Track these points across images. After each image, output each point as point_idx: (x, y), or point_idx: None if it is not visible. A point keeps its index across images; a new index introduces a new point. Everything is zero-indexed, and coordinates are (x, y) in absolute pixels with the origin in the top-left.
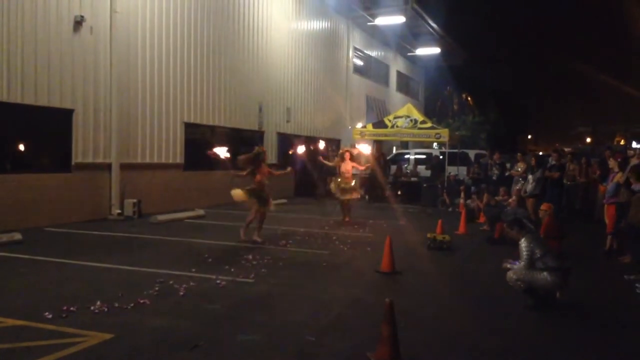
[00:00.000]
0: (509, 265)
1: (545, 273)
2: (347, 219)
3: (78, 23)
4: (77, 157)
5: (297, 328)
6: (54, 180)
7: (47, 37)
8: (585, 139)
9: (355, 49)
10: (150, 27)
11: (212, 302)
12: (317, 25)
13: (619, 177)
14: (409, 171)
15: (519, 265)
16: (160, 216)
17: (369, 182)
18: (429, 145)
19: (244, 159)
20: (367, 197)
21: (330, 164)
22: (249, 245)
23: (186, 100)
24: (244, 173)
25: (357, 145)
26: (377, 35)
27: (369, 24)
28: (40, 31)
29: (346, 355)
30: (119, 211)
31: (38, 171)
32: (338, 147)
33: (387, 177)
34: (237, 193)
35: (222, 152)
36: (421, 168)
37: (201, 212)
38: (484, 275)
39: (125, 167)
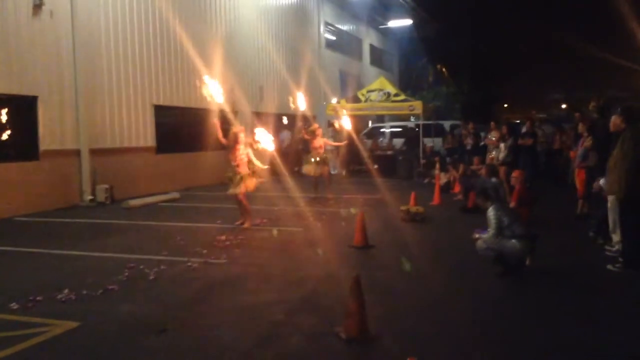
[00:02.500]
0: (477, 235)
1: (513, 240)
2: (329, 195)
3: (37, 7)
4: (44, 145)
5: (267, 307)
6: (22, 169)
7: (4, 22)
8: (561, 106)
9: (327, 23)
10: (113, 8)
11: (182, 285)
12: (286, 0)
13: (588, 141)
14: (384, 145)
15: (488, 234)
16: (133, 201)
17: (346, 157)
18: (406, 118)
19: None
20: (343, 171)
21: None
22: (223, 226)
23: (154, 82)
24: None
25: (339, 120)
26: (348, 9)
27: None
28: None
29: (315, 332)
30: (90, 197)
31: (4, 160)
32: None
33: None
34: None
35: (267, 140)
36: (397, 141)
37: (176, 195)
38: (456, 245)
39: (95, 152)
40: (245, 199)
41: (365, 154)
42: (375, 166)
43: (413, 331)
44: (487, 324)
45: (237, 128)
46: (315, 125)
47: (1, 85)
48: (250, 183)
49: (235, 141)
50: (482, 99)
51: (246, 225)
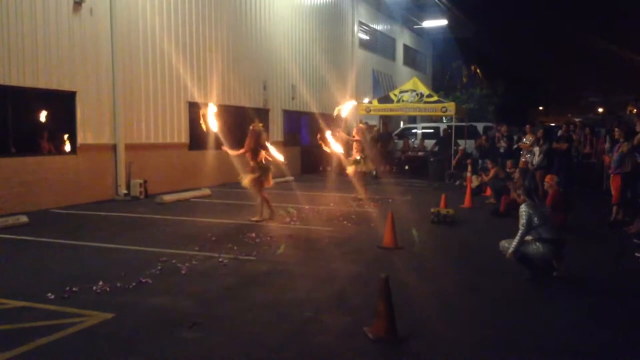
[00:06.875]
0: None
1: (538, 244)
2: (360, 196)
3: (77, 4)
4: (81, 139)
5: (296, 304)
6: (60, 163)
7: (46, 19)
8: (597, 109)
9: (361, 23)
10: (151, 6)
11: (213, 280)
12: (321, 0)
13: (624, 147)
14: (416, 145)
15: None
16: (166, 196)
17: (377, 157)
18: (438, 119)
19: (249, 141)
20: (374, 172)
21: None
22: (254, 223)
23: (189, 79)
24: (241, 151)
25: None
26: (382, 9)
27: None
28: (39, 13)
29: (343, 331)
30: (125, 192)
31: (43, 154)
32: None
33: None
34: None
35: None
36: (428, 142)
37: (207, 191)
38: (486, 248)
39: (130, 147)
40: (263, 192)
41: (396, 154)
42: (406, 167)
43: (441, 333)
44: (517, 329)
45: (256, 125)
46: (361, 125)
47: (41, 81)
48: (269, 178)
49: (257, 140)
50: (517, 101)
51: (256, 218)
